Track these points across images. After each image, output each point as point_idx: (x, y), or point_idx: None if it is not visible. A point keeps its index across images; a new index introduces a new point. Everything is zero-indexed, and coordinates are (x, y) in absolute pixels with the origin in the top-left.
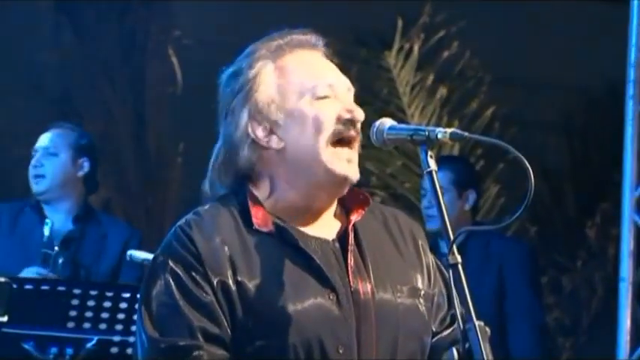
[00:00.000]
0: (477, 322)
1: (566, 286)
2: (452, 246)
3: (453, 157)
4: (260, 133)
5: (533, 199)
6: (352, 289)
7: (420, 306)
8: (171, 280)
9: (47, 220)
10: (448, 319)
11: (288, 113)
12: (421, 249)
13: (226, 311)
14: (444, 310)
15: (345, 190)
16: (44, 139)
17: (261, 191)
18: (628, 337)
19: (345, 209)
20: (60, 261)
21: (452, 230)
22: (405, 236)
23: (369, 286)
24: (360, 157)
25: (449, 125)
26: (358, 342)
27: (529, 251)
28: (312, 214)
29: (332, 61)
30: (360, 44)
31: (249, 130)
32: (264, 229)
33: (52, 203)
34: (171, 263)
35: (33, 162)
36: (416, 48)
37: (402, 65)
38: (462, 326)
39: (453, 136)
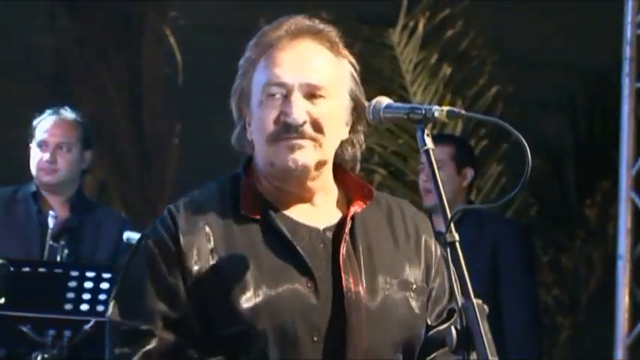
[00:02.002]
0: (474, 300)
1: (566, 265)
2: (449, 224)
3: (451, 134)
4: (247, 119)
5: (535, 178)
6: (343, 281)
7: (410, 300)
8: (145, 261)
9: (52, 212)
10: (445, 314)
11: (251, 110)
12: (423, 242)
13: (197, 296)
14: (442, 304)
15: (309, 177)
16: (56, 131)
17: (255, 176)
18: (626, 315)
19: (348, 199)
20: (65, 252)
21: (449, 207)
22: (407, 228)
23: (358, 278)
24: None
25: (451, 104)
26: (347, 333)
27: (523, 231)
28: (296, 201)
29: (336, 50)
30: (363, 22)
31: (243, 116)
32: (251, 215)
33: (55, 193)
34: (149, 243)
35: (46, 157)
36: (420, 26)
37: (405, 43)
38: (459, 304)
39: (449, 114)
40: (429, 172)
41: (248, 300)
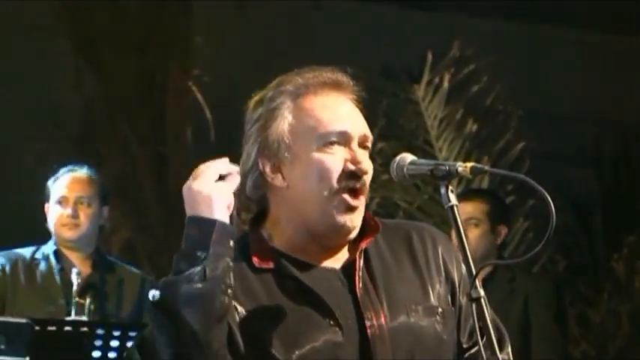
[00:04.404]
0: (500, 356)
1: (593, 319)
2: (474, 280)
3: (488, 190)
4: (267, 168)
5: (563, 231)
6: (364, 316)
7: (437, 325)
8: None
9: (75, 269)
10: (475, 335)
11: (294, 155)
12: (442, 262)
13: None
14: (471, 321)
15: (350, 237)
16: (75, 187)
17: (268, 229)
18: None
19: (360, 234)
20: (92, 308)
21: (482, 264)
22: (427, 251)
23: (380, 310)
24: (387, 189)
25: (477, 160)
26: None
27: (554, 288)
28: (325, 250)
29: (359, 102)
30: (388, 78)
31: (259, 162)
32: (265, 267)
33: (76, 250)
34: None
35: (67, 212)
36: (446, 81)
37: (430, 99)
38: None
39: (473, 170)
40: (461, 227)
41: (279, 355)
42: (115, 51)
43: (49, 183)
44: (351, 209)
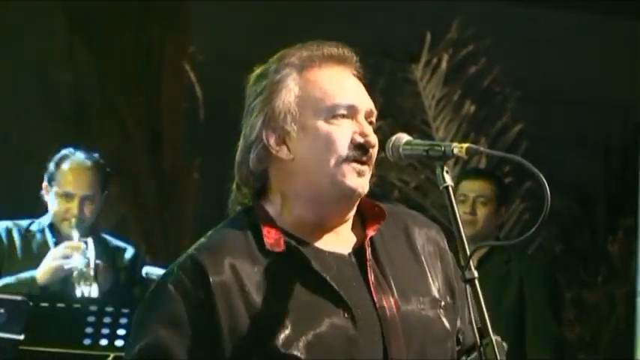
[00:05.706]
0: (494, 337)
1: (588, 302)
2: (468, 261)
3: (493, 171)
4: (272, 140)
5: (561, 214)
6: (377, 304)
7: (442, 317)
8: (170, 310)
9: (74, 220)
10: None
11: (301, 127)
12: (439, 255)
13: (233, 341)
14: (466, 316)
15: (356, 204)
16: (82, 183)
17: (273, 205)
18: None
19: (361, 221)
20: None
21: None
22: (425, 243)
23: (392, 299)
24: (384, 169)
25: (475, 141)
26: (389, 357)
27: (550, 270)
28: (327, 229)
29: (361, 78)
30: (386, 57)
31: (263, 135)
32: (277, 250)
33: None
34: (171, 290)
35: (74, 210)
36: (444, 62)
37: (428, 79)
38: (479, 341)
39: (469, 151)
40: (470, 204)
41: (289, 343)
42: (111, 26)
43: (51, 166)
44: (360, 174)
